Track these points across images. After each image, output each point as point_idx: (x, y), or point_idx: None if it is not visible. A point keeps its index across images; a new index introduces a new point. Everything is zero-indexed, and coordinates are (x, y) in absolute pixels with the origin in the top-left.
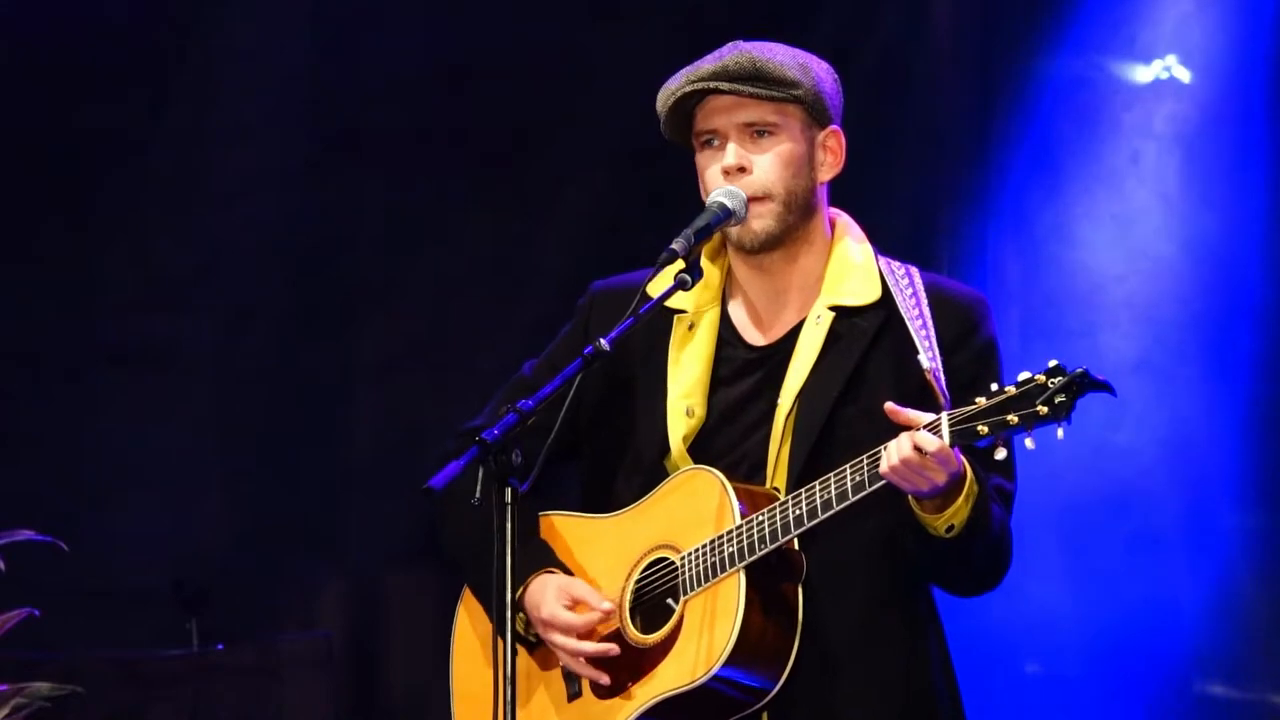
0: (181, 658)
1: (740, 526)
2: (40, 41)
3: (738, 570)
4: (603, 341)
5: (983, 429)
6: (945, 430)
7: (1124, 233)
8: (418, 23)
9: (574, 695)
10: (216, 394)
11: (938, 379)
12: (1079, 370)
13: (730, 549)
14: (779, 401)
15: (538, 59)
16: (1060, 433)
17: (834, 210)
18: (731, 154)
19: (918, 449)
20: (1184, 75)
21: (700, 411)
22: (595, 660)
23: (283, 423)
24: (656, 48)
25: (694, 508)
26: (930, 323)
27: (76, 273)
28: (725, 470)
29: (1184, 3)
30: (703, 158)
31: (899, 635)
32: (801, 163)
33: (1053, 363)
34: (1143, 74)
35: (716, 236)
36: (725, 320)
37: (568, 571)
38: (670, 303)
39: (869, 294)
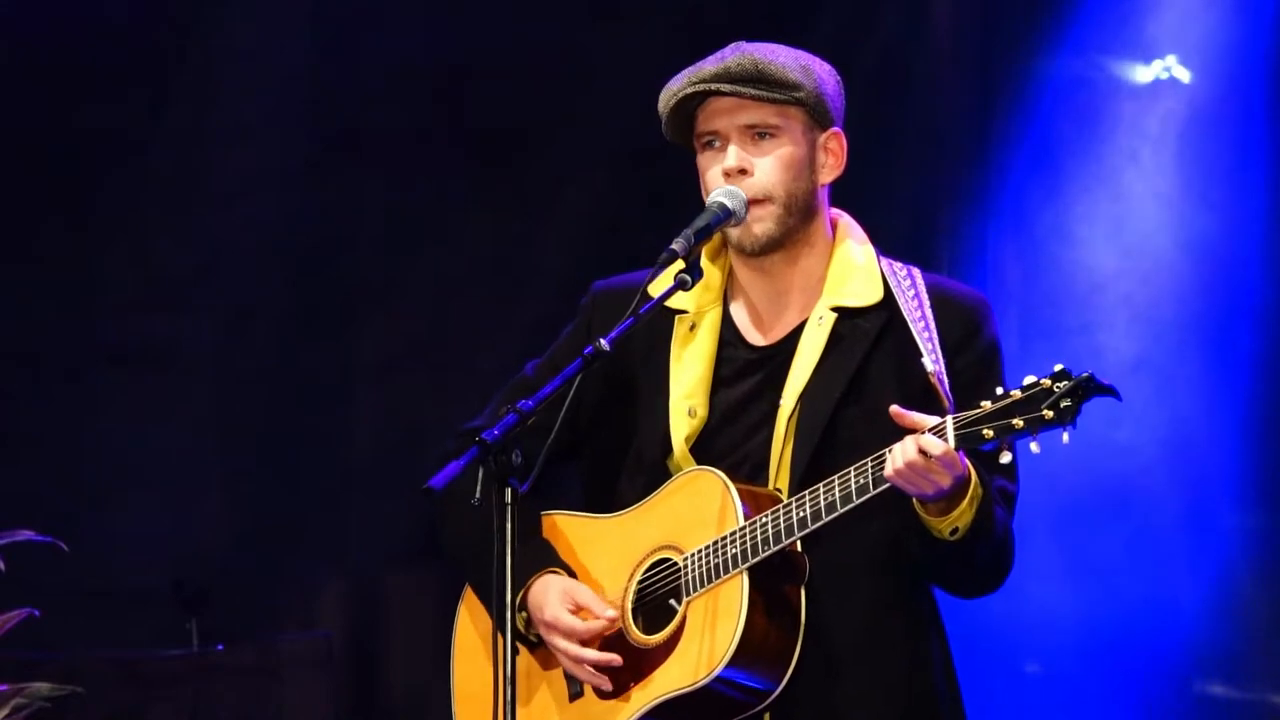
0: (181, 658)
1: (744, 528)
2: (40, 41)
3: (741, 571)
4: (603, 341)
5: (988, 433)
6: (950, 434)
7: (1124, 232)
8: (418, 23)
9: (575, 695)
10: (216, 394)
11: (942, 382)
12: (1084, 375)
13: (733, 550)
14: (781, 402)
15: (538, 59)
16: (1065, 437)
17: (836, 211)
18: (732, 156)
19: (923, 452)
20: (1184, 75)
21: (702, 412)
22: (595, 666)
23: (283, 423)
24: (656, 48)
25: (697, 508)
26: (933, 324)
27: (76, 273)
28: (727, 471)
29: (1184, 3)
30: (704, 159)
31: (901, 637)
32: (802, 165)
33: (1058, 367)
34: (1143, 74)
35: (717, 237)
36: (727, 320)
37: (570, 572)
38: (672, 303)
39: (871, 295)
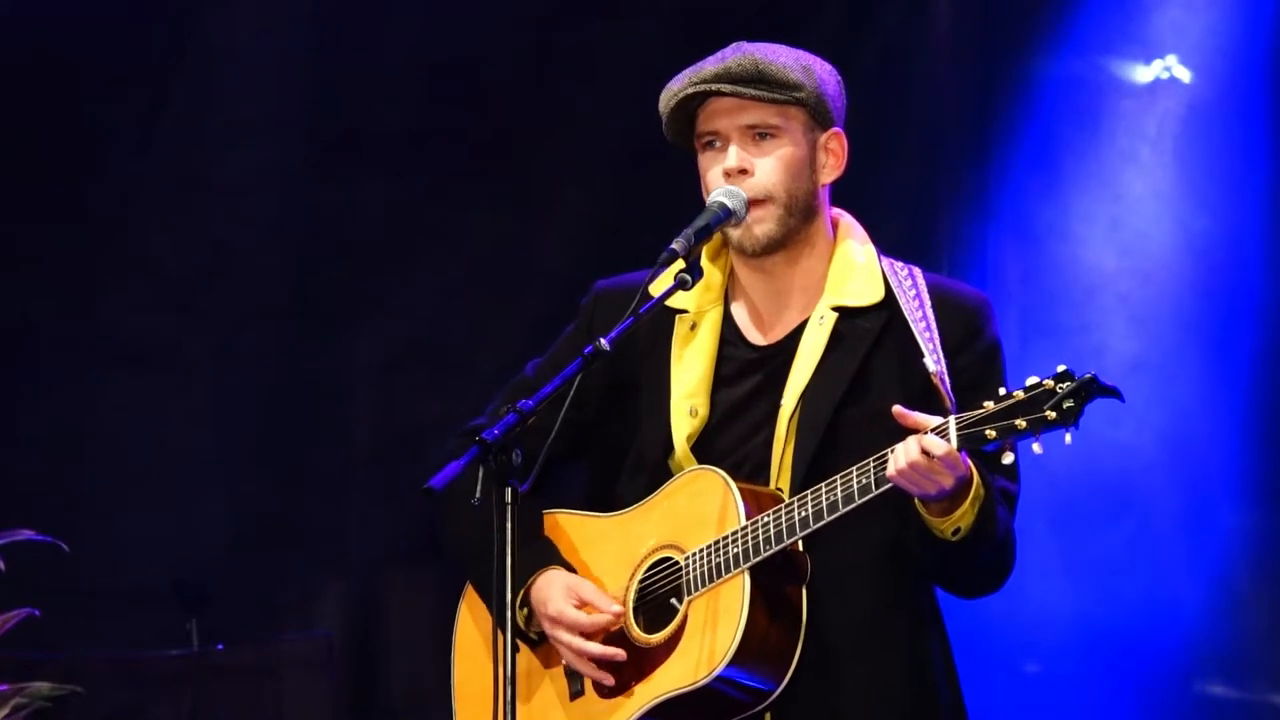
0: (181, 658)
1: (745, 527)
2: (40, 41)
3: (742, 571)
4: (602, 341)
5: (990, 433)
6: (953, 434)
7: (1123, 231)
8: (418, 23)
9: (576, 694)
10: (217, 394)
11: (944, 382)
12: (1087, 376)
13: (735, 550)
14: (782, 402)
15: (538, 59)
16: (1068, 438)
17: (837, 210)
18: (733, 156)
19: (925, 452)
20: (1184, 75)
21: (703, 411)
22: (599, 661)
23: (283, 423)
24: (656, 48)
25: (699, 508)
26: (934, 324)
27: (76, 273)
28: (729, 470)
29: (1184, 2)
30: (704, 159)
31: (903, 637)
32: (803, 165)
33: (1061, 368)
34: (1143, 74)
35: (718, 237)
36: (728, 320)
37: (571, 570)
38: (672, 303)
39: (872, 295)
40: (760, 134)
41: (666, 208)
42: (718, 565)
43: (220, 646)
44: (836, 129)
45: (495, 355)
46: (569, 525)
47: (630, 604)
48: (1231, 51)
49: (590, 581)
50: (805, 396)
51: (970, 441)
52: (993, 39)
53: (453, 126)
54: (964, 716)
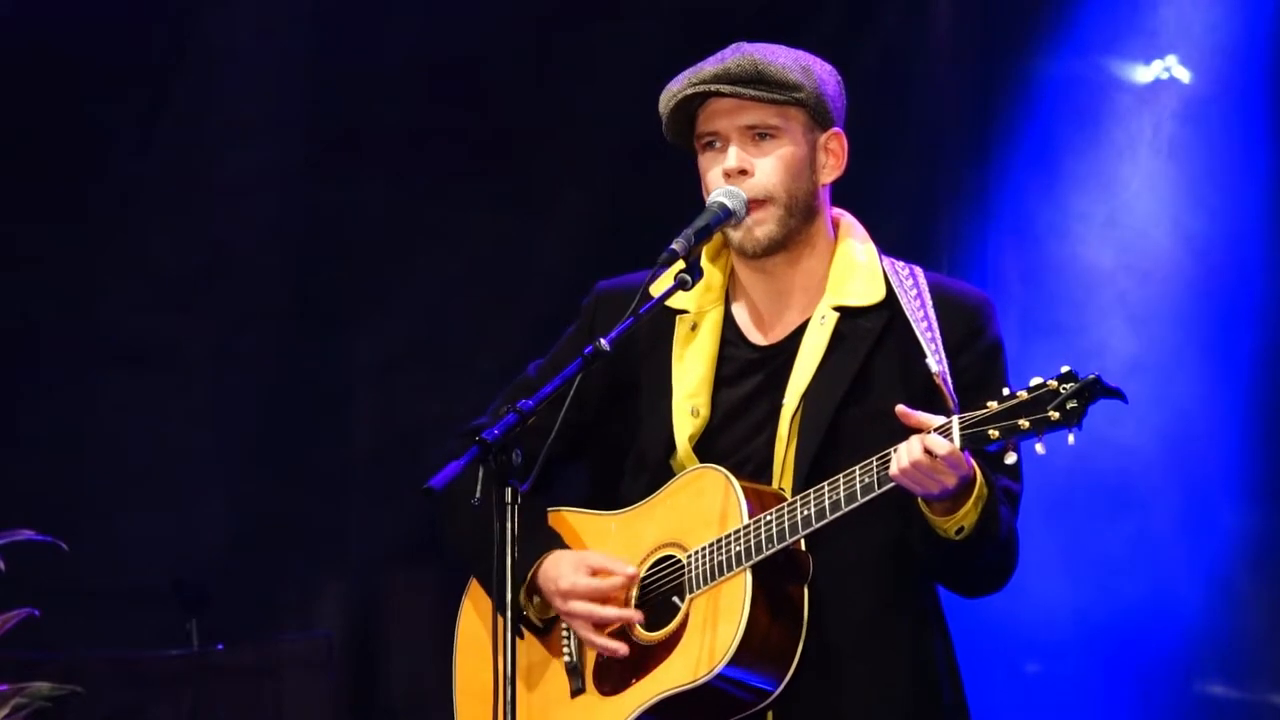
0: (181, 658)
1: (748, 526)
2: (40, 41)
3: (744, 569)
4: (602, 341)
5: (994, 433)
6: (956, 434)
7: (1123, 231)
8: (418, 23)
9: (577, 691)
10: (216, 394)
11: (946, 382)
12: (1091, 376)
13: (737, 548)
14: (784, 402)
15: (538, 59)
16: (1071, 438)
17: (838, 210)
18: (733, 156)
19: (928, 452)
20: (1184, 75)
21: (705, 411)
22: (617, 622)
23: (283, 422)
24: (656, 48)
25: (701, 506)
26: (935, 323)
27: (76, 273)
28: (731, 470)
29: (1184, 2)
30: (704, 160)
31: (905, 636)
32: (803, 165)
33: (1065, 368)
34: (1143, 74)
35: (718, 237)
36: (728, 320)
37: None
38: (673, 303)
39: (873, 294)
40: (760, 134)
41: (666, 208)
42: (719, 564)
43: (220, 646)
44: (836, 129)
45: (495, 355)
46: (571, 523)
47: (633, 602)
48: (1231, 52)
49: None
50: (807, 396)
51: (973, 441)
52: (993, 39)
53: (453, 126)
54: (966, 716)
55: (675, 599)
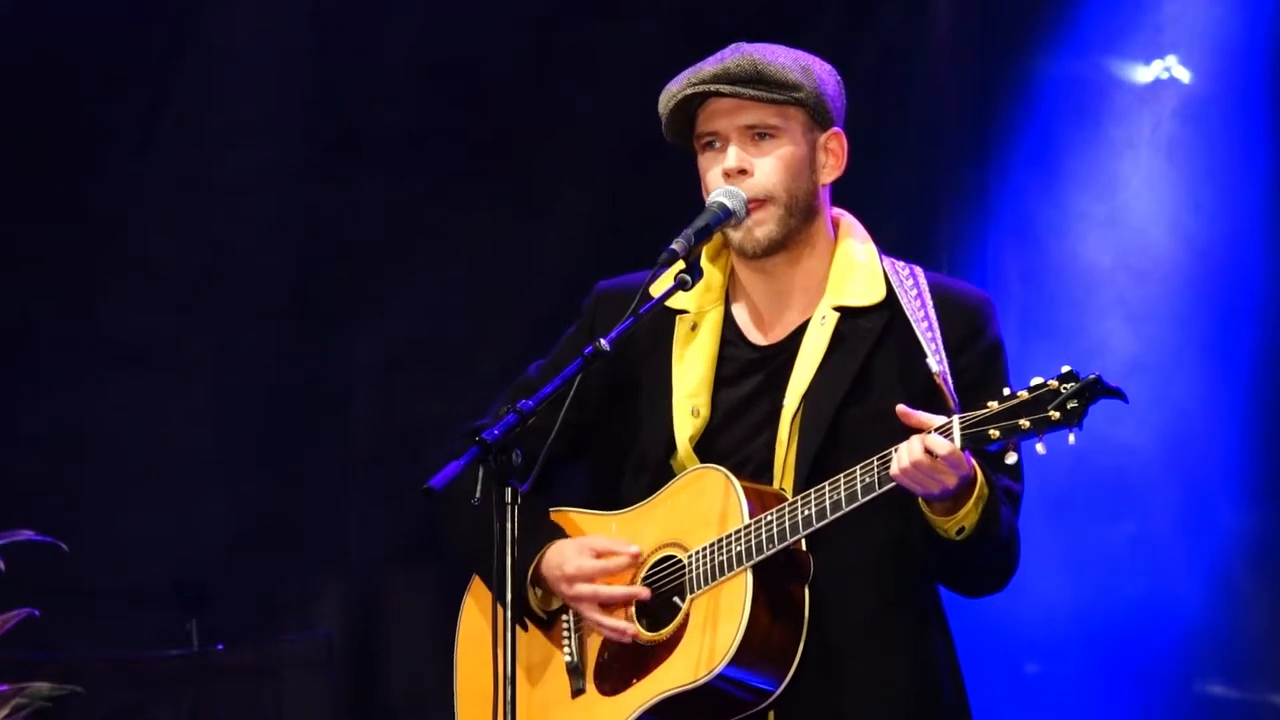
0: (181, 658)
1: (748, 526)
2: (40, 41)
3: (745, 569)
4: (602, 341)
5: (994, 433)
6: (956, 434)
7: (1123, 231)
8: (418, 22)
9: (578, 691)
10: (216, 394)
11: (947, 382)
12: (1091, 376)
13: (738, 548)
14: (784, 403)
15: (538, 59)
16: (1071, 438)
17: (838, 210)
18: (732, 156)
19: (929, 452)
20: (1184, 75)
21: (705, 411)
22: (625, 600)
23: (283, 422)
24: (656, 48)
25: (702, 506)
26: (935, 323)
27: (76, 273)
28: (731, 470)
29: (1184, 2)
30: (704, 160)
31: (905, 637)
32: (803, 165)
33: (1065, 368)
34: (1143, 74)
35: (718, 237)
36: (729, 320)
37: None
38: (674, 303)
39: (873, 294)
40: (759, 134)
41: (666, 208)
42: (720, 564)
43: (220, 646)
44: (836, 129)
45: (495, 355)
46: (571, 523)
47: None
48: (1231, 52)
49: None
50: (807, 397)
51: (974, 441)
52: (993, 39)
53: (453, 126)
54: (968, 716)
55: (676, 599)
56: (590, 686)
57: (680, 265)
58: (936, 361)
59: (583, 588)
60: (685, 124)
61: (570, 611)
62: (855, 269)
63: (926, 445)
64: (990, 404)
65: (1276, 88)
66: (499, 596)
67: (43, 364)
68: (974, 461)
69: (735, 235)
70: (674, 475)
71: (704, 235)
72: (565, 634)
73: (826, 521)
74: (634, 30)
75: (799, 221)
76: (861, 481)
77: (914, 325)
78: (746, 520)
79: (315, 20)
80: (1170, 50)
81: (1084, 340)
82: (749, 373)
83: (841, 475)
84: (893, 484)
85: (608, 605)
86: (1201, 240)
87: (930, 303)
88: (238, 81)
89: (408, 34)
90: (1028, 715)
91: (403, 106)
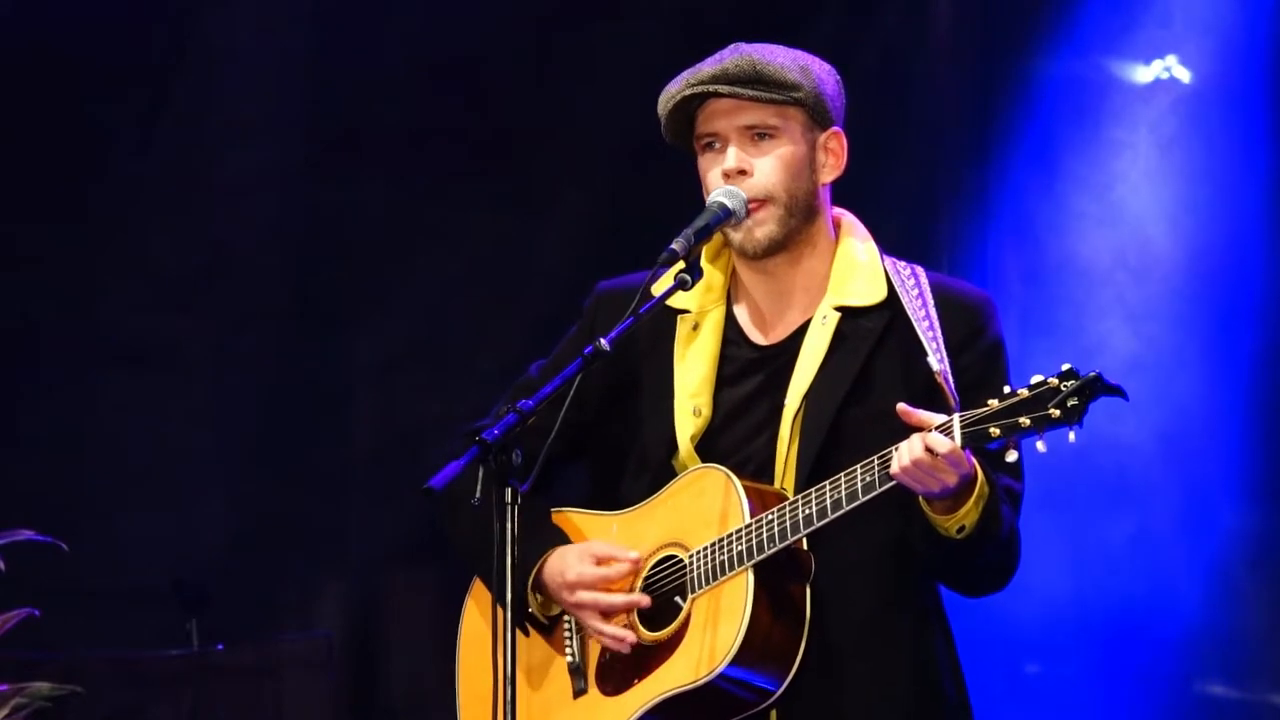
0: (181, 658)
1: (749, 525)
2: (40, 41)
3: (746, 569)
4: (602, 341)
5: (995, 431)
6: (957, 432)
7: (1123, 230)
8: (418, 23)
9: (579, 692)
10: (216, 394)
11: (947, 381)
12: (1091, 374)
13: (739, 547)
14: (785, 402)
15: (538, 59)
16: (1072, 436)
17: (839, 210)
18: (732, 157)
19: (929, 450)
20: (1184, 75)
21: (707, 411)
22: (626, 608)
23: (283, 422)
24: (656, 48)
25: (703, 506)
26: (936, 323)
27: (76, 273)
28: (732, 469)
29: (1184, 2)
30: (704, 161)
31: (906, 636)
32: (802, 165)
33: (1065, 366)
34: (1143, 74)
35: (719, 237)
36: (730, 320)
37: None
38: (675, 303)
39: (874, 294)
40: (759, 134)
41: (666, 208)
42: (721, 563)
43: (220, 646)
44: (836, 128)
45: (495, 355)
46: (572, 523)
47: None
48: (1231, 51)
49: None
50: (808, 396)
51: (974, 439)
52: (993, 39)
53: (453, 126)
54: (969, 716)
55: (677, 599)
56: (592, 687)
57: (680, 265)
58: (937, 360)
59: (584, 595)
60: (685, 125)
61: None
62: (856, 269)
63: (927, 443)
64: (991, 402)
65: (1276, 87)
66: (499, 597)
67: (43, 364)
68: (974, 460)
69: (736, 236)
70: (675, 475)
71: (704, 235)
72: (567, 634)
73: (827, 520)
74: (634, 30)
75: (799, 221)
76: (862, 480)
77: (915, 325)
78: (747, 520)
79: (315, 20)
80: (1170, 50)
81: (1084, 339)
82: (750, 372)
83: (842, 474)
84: (893, 483)
85: (608, 612)
86: (1201, 239)
87: (931, 302)
88: (238, 81)
89: (408, 34)
90: (1028, 715)
91: (403, 106)
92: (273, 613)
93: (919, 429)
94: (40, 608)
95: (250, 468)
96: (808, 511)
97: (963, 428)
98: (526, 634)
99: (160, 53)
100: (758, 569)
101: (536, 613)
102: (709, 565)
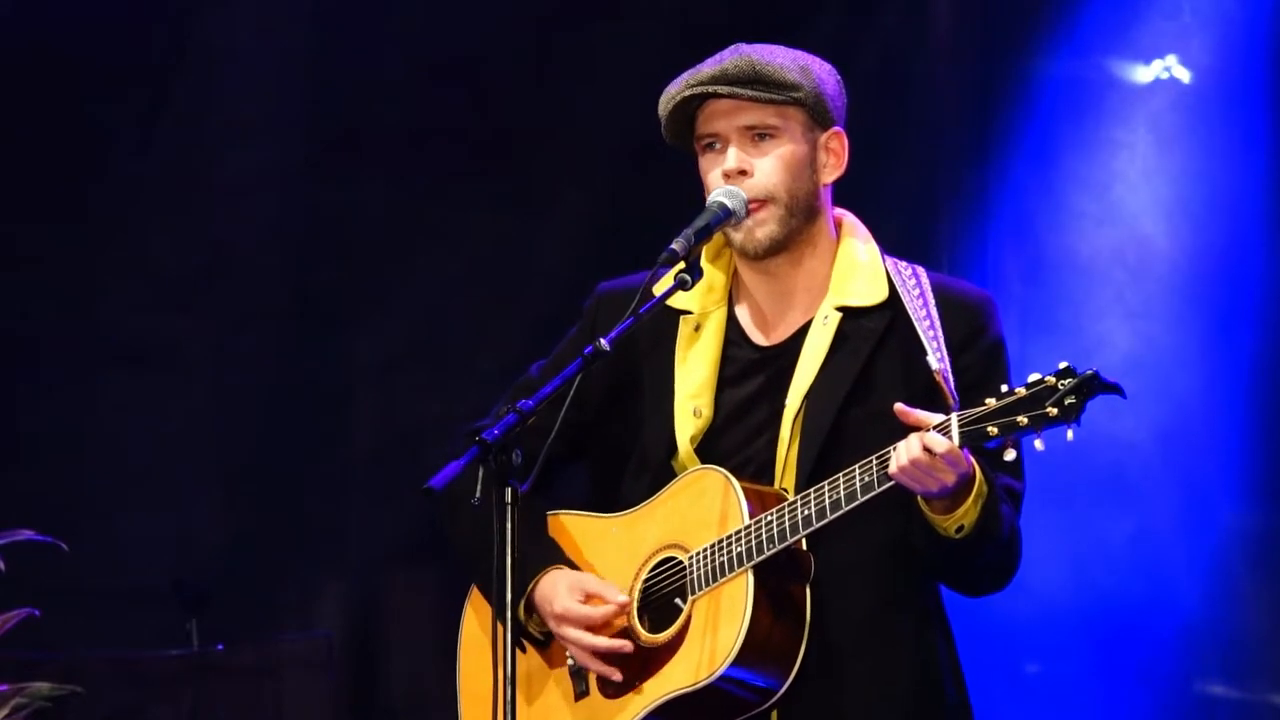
0: (181, 658)
1: (749, 526)
2: (40, 41)
3: (746, 570)
4: (602, 341)
5: (992, 430)
6: (955, 431)
7: (1122, 230)
8: (418, 23)
9: (581, 694)
10: (217, 394)
11: (947, 380)
12: (1089, 372)
13: (739, 548)
14: (786, 403)
15: (538, 59)
16: (1070, 434)
17: (840, 210)
18: (732, 157)
19: (927, 450)
20: (1184, 75)
21: (707, 412)
22: (606, 657)
23: (283, 422)
24: (656, 48)
25: (702, 507)
26: (937, 322)
27: (76, 273)
28: (733, 471)
29: (1184, 2)
30: (704, 161)
31: (907, 636)
32: (803, 165)
33: (1063, 364)
34: (1143, 74)
35: (720, 238)
36: (731, 321)
37: (575, 568)
38: (676, 303)
39: (876, 294)
40: (759, 135)
41: (666, 208)
42: (721, 564)
43: (220, 646)
44: (837, 128)
45: (495, 355)
46: (572, 526)
47: (635, 603)
48: (1231, 51)
49: (593, 576)
50: (809, 397)
51: (972, 438)
52: (993, 39)
53: (453, 126)
54: (969, 715)
55: (677, 600)
56: (593, 689)
57: (681, 265)
58: (937, 359)
59: (570, 631)
60: (685, 126)
61: None
62: (857, 269)
63: (925, 443)
64: (988, 401)
65: (1276, 87)
66: (498, 596)
67: (43, 364)
68: (973, 459)
69: (736, 236)
70: (675, 476)
71: (704, 235)
72: None
73: (826, 521)
74: (634, 30)
75: (800, 221)
76: (861, 480)
77: (916, 325)
78: (747, 521)
79: (315, 20)
80: (1170, 50)
81: (1084, 338)
82: (751, 373)
83: (841, 475)
84: (892, 483)
85: (593, 651)
86: (1200, 238)
87: (932, 302)
88: (238, 81)
89: (408, 34)
90: (1028, 715)
91: (403, 106)
92: (273, 613)
93: (917, 428)
94: (40, 608)
95: (250, 467)
96: (807, 512)
97: (960, 427)
98: (523, 650)
99: (160, 53)
100: (758, 570)
101: (531, 630)
102: (709, 567)
